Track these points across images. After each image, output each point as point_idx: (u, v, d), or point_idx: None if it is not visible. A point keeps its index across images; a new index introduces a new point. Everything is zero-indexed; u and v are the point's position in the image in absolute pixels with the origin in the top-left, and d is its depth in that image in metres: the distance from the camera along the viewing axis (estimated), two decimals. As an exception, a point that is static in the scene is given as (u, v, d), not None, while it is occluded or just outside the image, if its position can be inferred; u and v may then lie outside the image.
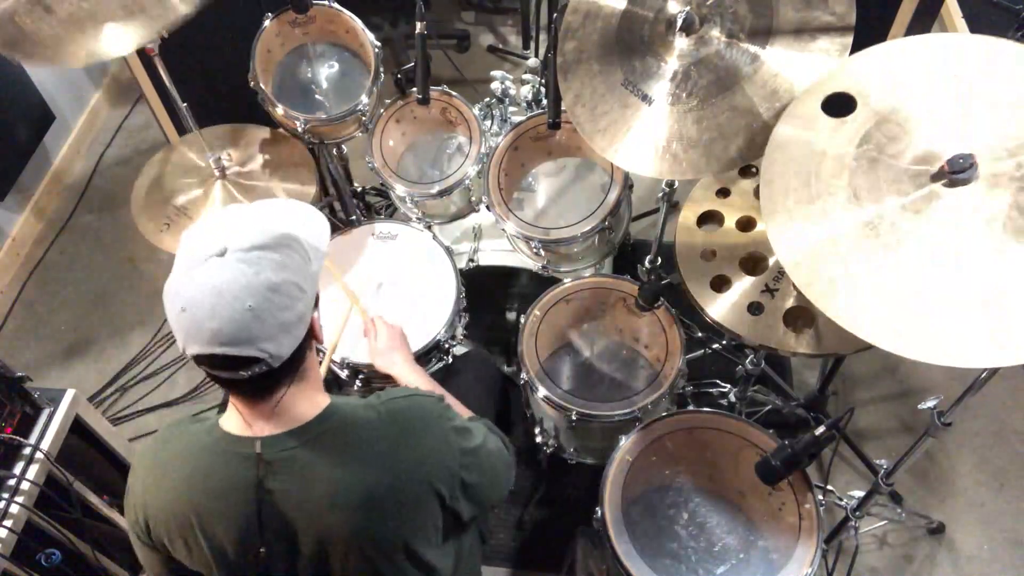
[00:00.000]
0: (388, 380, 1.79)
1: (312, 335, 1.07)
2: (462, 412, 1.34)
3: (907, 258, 1.10)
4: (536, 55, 2.73)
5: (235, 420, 1.08)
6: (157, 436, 1.15)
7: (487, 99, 2.10)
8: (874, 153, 1.18)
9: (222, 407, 1.13)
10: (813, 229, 1.16)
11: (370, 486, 1.06)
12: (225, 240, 0.97)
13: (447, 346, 1.85)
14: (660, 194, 1.94)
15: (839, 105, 1.25)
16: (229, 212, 1.08)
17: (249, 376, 0.99)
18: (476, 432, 1.21)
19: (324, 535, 1.07)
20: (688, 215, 1.71)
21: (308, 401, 1.09)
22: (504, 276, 2.18)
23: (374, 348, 1.61)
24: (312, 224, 1.13)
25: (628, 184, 1.91)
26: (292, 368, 1.04)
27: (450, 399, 1.34)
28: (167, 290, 0.99)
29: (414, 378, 1.51)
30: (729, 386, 2.12)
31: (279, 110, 2.03)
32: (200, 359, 0.98)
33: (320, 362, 1.70)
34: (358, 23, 2.06)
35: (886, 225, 1.12)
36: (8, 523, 1.48)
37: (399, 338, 1.61)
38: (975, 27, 3.04)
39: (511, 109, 2.12)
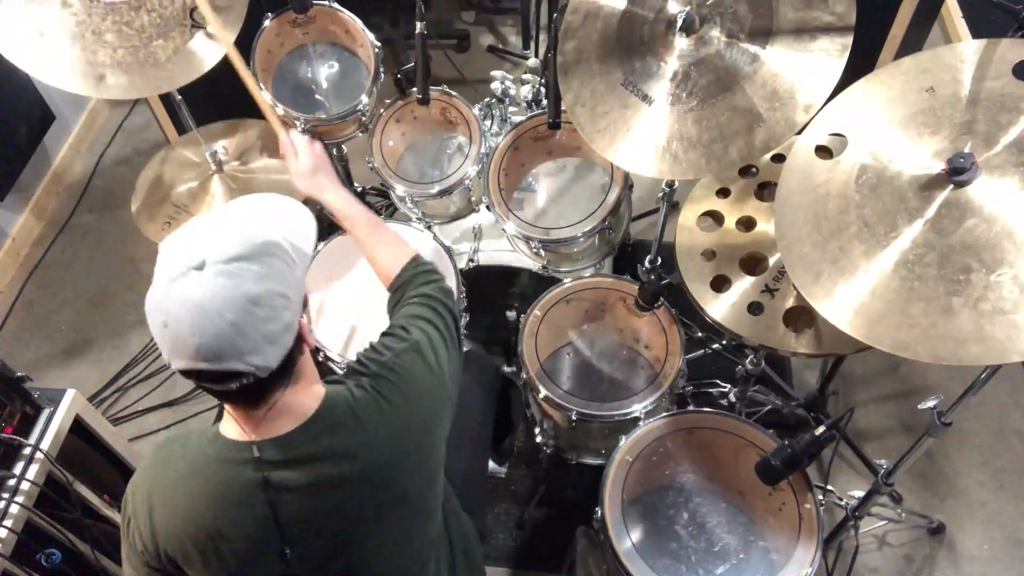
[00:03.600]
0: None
1: (301, 339, 1.05)
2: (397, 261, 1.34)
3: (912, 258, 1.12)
4: (536, 55, 2.73)
5: (233, 426, 1.07)
6: (154, 457, 1.12)
7: (487, 99, 2.10)
8: (874, 180, 1.19)
9: (220, 408, 1.13)
10: (838, 274, 1.18)
11: (387, 461, 1.08)
12: (204, 251, 0.94)
13: (447, 346, 1.85)
14: (660, 194, 1.94)
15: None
16: (208, 218, 1.04)
17: (238, 387, 0.98)
18: (449, 357, 1.22)
19: (352, 518, 1.07)
20: (688, 215, 1.71)
21: (305, 397, 1.08)
22: (504, 276, 2.18)
23: (296, 170, 1.48)
24: (297, 223, 1.10)
25: (628, 184, 1.91)
26: (284, 375, 1.03)
27: (379, 226, 1.38)
28: (148, 302, 0.96)
29: (343, 201, 1.43)
30: (729, 386, 2.12)
31: (279, 110, 2.03)
32: (187, 373, 0.96)
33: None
34: (358, 23, 2.06)
35: (906, 242, 1.14)
36: (8, 523, 1.48)
37: (321, 157, 1.50)
38: (975, 27, 3.05)
39: (511, 109, 2.11)
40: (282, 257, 1.00)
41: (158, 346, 0.97)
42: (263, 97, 1.63)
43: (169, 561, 1.09)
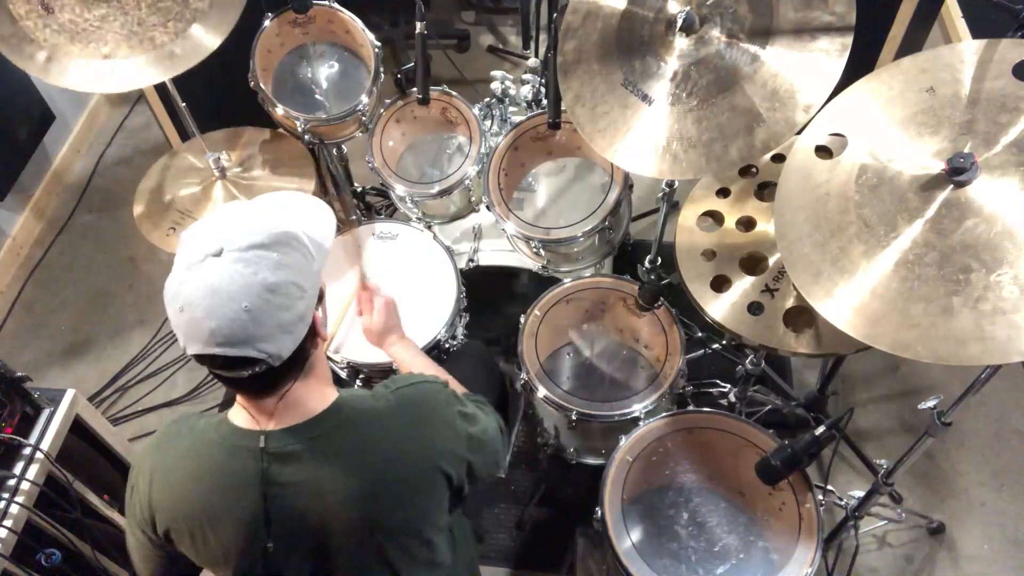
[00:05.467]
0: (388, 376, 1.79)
1: (315, 332, 1.07)
2: (458, 391, 1.35)
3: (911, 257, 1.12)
4: (536, 55, 2.73)
5: (242, 414, 1.08)
6: (163, 433, 1.15)
7: (487, 99, 2.10)
8: (874, 180, 1.19)
9: (223, 405, 1.14)
10: (836, 273, 1.18)
11: (382, 477, 1.07)
12: (223, 239, 0.97)
13: (447, 346, 1.85)
14: (660, 194, 1.94)
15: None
16: (229, 209, 1.06)
17: (250, 375, 0.99)
18: (479, 415, 1.23)
19: (336, 527, 1.07)
20: (688, 215, 1.71)
21: (316, 394, 1.09)
22: (504, 276, 2.18)
23: (368, 327, 1.58)
24: (316, 218, 1.12)
25: (628, 184, 1.90)
26: (296, 365, 1.04)
27: (452, 381, 1.34)
28: (167, 289, 0.98)
29: (411, 358, 1.51)
30: (729, 386, 2.12)
31: (279, 110, 2.03)
32: (201, 359, 0.98)
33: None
34: (358, 23, 2.06)
35: (906, 241, 1.13)
36: (8, 523, 1.48)
37: (392, 313, 1.58)
38: (975, 27, 3.05)
39: (511, 109, 2.12)
40: (300, 249, 1.01)
41: (174, 332, 0.99)
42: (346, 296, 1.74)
43: (164, 534, 1.12)
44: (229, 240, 0.96)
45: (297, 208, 1.13)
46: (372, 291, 1.64)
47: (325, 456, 1.06)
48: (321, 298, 1.08)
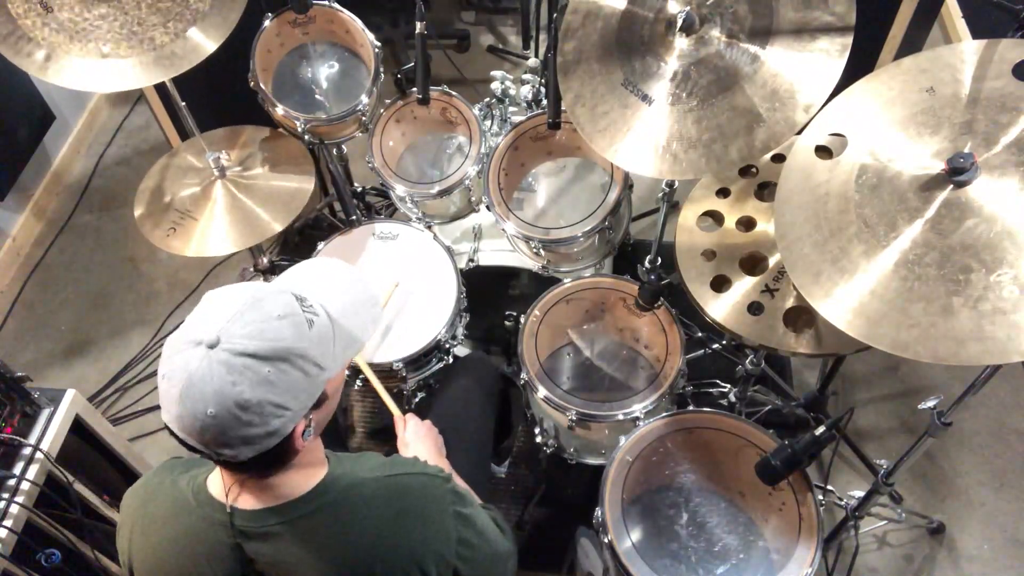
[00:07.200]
0: (389, 379, 1.79)
1: (291, 441, 0.98)
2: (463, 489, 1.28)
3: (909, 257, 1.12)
4: (536, 55, 2.73)
5: (219, 482, 1.05)
6: (149, 482, 1.13)
7: (487, 99, 2.10)
8: (874, 180, 1.20)
9: None
10: (835, 272, 1.18)
11: (359, 569, 1.04)
12: (225, 331, 0.91)
13: (447, 346, 1.85)
14: (660, 194, 1.94)
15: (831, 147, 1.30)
16: (260, 292, 0.97)
17: (217, 458, 0.96)
18: (478, 520, 1.17)
19: None
20: (688, 215, 1.71)
21: (299, 478, 1.05)
22: (504, 276, 2.18)
23: (400, 439, 1.53)
24: (358, 305, 1.06)
25: (628, 184, 1.90)
26: (268, 461, 0.98)
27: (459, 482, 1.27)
28: (170, 339, 0.95)
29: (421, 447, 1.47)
30: (729, 386, 2.12)
31: (279, 110, 2.03)
32: (168, 428, 0.95)
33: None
34: (358, 23, 2.06)
35: (906, 242, 1.14)
36: (8, 523, 1.48)
37: (426, 433, 1.52)
38: (975, 27, 3.05)
39: (511, 109, 2.11)
40: (301, 367, 0.94)
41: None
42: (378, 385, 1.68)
43: None
44: (229, 335, 0.91)
45: (342, 289, 1.06)
46: (408, 416, 1.57)
47: (305, 538, 1.03)
48: (320, 404, 1.00)
